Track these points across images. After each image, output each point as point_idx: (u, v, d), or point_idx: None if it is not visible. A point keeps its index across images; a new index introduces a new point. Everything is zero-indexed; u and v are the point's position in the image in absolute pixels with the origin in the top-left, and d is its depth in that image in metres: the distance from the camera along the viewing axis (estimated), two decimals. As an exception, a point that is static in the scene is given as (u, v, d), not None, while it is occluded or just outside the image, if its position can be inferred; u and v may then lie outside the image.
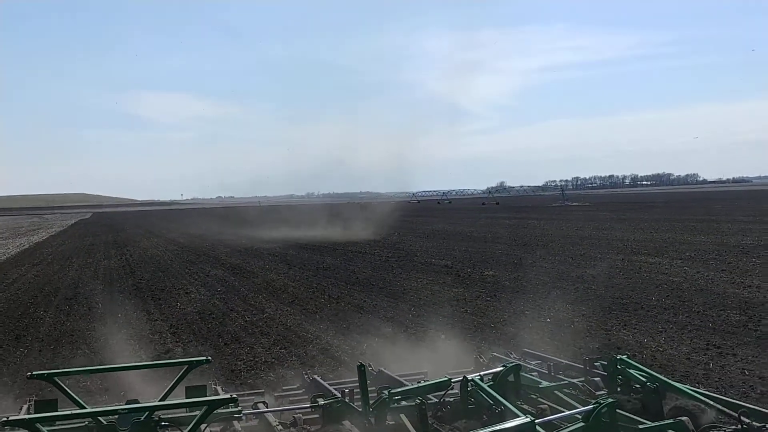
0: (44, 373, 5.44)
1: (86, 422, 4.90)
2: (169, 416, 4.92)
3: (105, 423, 4.76)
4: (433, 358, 8.94)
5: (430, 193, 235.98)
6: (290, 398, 6.85)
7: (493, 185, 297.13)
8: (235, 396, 4.44)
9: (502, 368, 6.13)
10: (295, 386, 7.40)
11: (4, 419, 4.13)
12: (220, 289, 19.60)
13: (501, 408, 5.23)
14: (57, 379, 5.43)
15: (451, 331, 12.04)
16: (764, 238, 28.52)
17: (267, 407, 6.12)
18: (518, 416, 4.84)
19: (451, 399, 5.83)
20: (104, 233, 58.67)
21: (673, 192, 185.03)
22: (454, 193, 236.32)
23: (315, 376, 7.15)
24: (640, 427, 4.94)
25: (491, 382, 5.87)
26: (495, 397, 5.41)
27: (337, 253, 30.22)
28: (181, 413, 5.19)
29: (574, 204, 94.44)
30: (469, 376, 5.87)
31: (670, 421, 5.04)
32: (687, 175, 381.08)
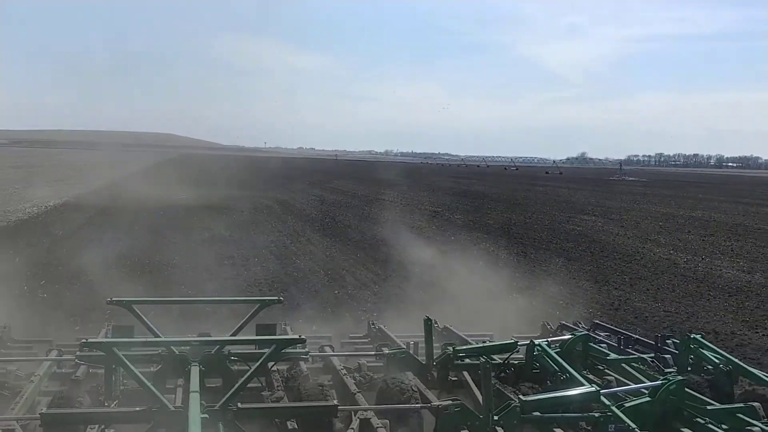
0: (123, 300, 5.56)
1: (160, 350, 5.00)
2: (239, 351, 5.16)
3: (177, 353, 4.85)
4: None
5: (502, 160, 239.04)
6: (355, 345, 6.93)
7: (574, 155, 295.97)
8: (303, 337, 4.58)
9: (570, 336, 6.16)
10: (360, 334, 7.47)
11: (83, 340, 4.25)
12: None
13: (566, 375, 5.26)
14: (135, 307, 5.55)
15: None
16: None
17: (333, 351, 6.29)
18: (583, 385, 4.90)
19: (516, 362, 5.81)
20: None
21: (755, 176, 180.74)
22: (521, 160, 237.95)
23: (381, 326, 7.17)
24: (709, 408, 4.83)
25: (558, 349, 5.84)
26: (561, 363, 5.42)
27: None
28: (250, 350, 5.35)
29: (630, 179, 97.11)
30: (536, 341, 5.85)
31: (740, 405, 4.88)
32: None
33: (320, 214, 27.94)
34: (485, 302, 10.20)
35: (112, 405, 4.73)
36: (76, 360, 5.29)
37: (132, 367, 4.13)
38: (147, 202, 27.32)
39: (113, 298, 5.49)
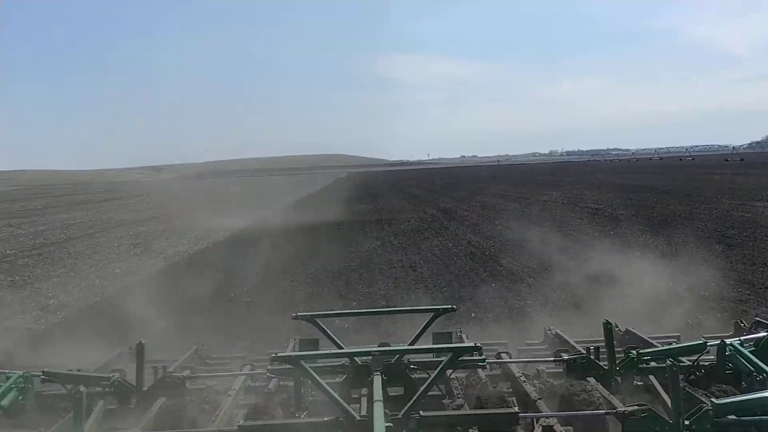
0: (307, 315, 5.78)
1: (343, 361, 5.12)
2: (417, 360, 5.28)
3: (360, 363, 4.95)
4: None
5: (677, 150, 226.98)
6: (533, 352, 6.83)
7: (757, 139, 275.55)
8: (479, 345, 4.64)
9: (765, 334, 5.77)
10: (537, 341, 7.34)
11: (273, 355, 4.58)
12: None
13: (764, 375, 5.03)
14: (318, 321, 5.74)
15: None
16: None
17: (510, 358, 6.24)
18: None
19: (706, 363, 5.59)
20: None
21: None
22: (698, 148, 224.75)
23: (558, 331, 7.05)
24: None
25: (753, 348, 5.55)
26: (757, 363, 5.17)
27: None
28: (428, 358, 5.47)
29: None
30: (728, 341, 5.59)
31: None
32: None
33: (480, 219, 29.25)
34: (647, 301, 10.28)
35: (302, 416, 5.02)
36: (268, 374, 5.57)
37: (319, 379, 4.37)
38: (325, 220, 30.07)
39: (298, 314, 5.78)
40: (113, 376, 5.51)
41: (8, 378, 5.41)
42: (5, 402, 5.17)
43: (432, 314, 5.80)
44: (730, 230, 21.12)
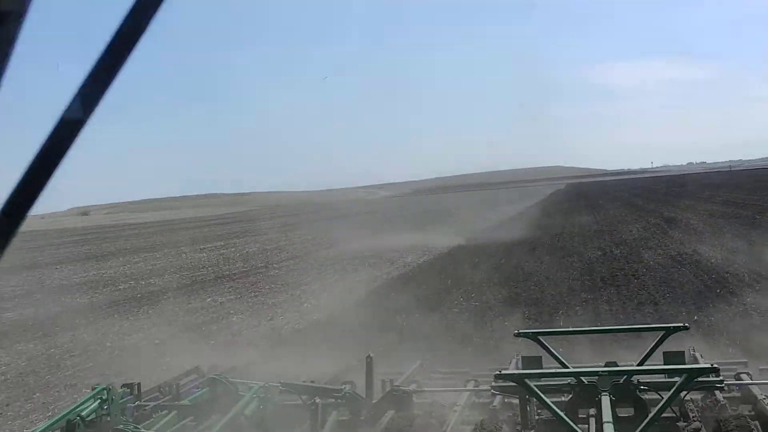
0: (529, 332, 5.68)
1: (569, 380, 4.97)
2: (648, 381, 4.99)
3: (586, 382, 4.77)
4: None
5: None
6: None
7: None
8: (716, 365, 4.42)
9: None
10: None
11: (497, 372, 4.50)
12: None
13: None
14: (540, 338, 5.64)
15: None
16: None
17: (751, 378, 5.87)
18: None
19: None
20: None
21: None
22: None
23: None
24: None
25: None
26: None
27: None
28: (659, 378, 5.21)
29: None
30: None
31: None
32: None
33: (707, 227, 29.15)
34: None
35: None
36: (492, 390, 5.58)
37: (544, 398, 4.29)
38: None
39: (520, 331, 5.68)
40: (344, 388, 5.68)
41: (250, 388, 5.76)
42: (248, 411, 5.51)
43: (663, 333, 5.51)
44: None
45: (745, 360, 6.67)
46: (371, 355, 5.77)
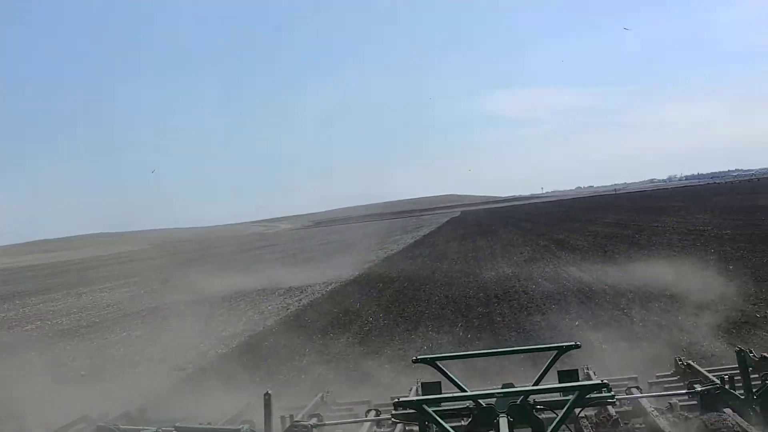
0: (426, 358, 5.58)
1: (467, 404, 4.93)
2: (543, 400, 5.08)
3: (484, 405, 4.78)
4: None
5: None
6: (664, 384, 6.68)
7: None
8: (606, 381, 4.53)
9: None
10: (668, 372, 7.17)
11: (396, 400, 4.49)
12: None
13: None
14: (438, 363, 5.57)
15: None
16: None
17: (641, 392, 6.13)
18: None
19: None
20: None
21: None
22: None
23: (690, 362, 6.89)
24: None
25: None
26: None
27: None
28: (554, 397, 5.29)
29: None
30: None
31: None
32: None
33: (591, 246, 31.04)
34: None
35: None
36: (393, 419, 5.59)
37: (443, 423, 4.35)
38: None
39: (418, 357, 5.56)
40: (243, 428, 5.63)
41: None
42: None
43: (556, 352, 5.59)
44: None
45: (636, 375, 6.92)
46: (269, 392, 5.57)
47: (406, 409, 4.70)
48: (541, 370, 5.39)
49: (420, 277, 25.66)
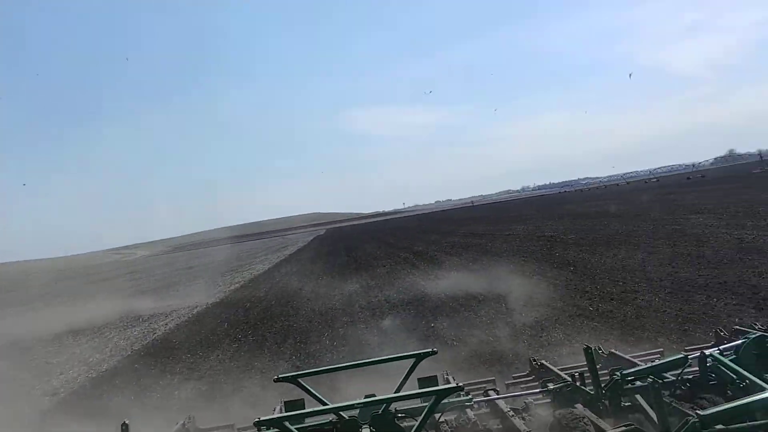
0: (288, 376, 5.57)
1: (330, 418, 4.95)
2: (404, 408, 5.21)
3: (347, 417, 4.79)
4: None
5: (644, 173, 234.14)
6: (520, 385, 6.86)
7: (721, 154, 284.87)
8: (461, 385, 4.64)
9: (743, 340, 5.76)
10: (523, 373, 7.39)
11: (257, 420, 4.36)
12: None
13: (746, 382, 5.09)
14: (300, 380, 5.55)
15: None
16: None
17: (498, 394, 6.21)
18: (766, 389, 4.73)
19: (690, 377, 5.61)
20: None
21: None
22: (664, 170, 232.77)
23: (543, 361, 7.16)
24: None
25: (733, 357, 5.60)
26: (738, 371, 5.27)
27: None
28: (415, 404, 5.44)
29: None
30: (707, 351, 5.70)
31: None
32: None
33: (448, 256, 32.74)
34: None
35: None
36: None
37: None
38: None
39: (279, 376, 5.55)
40: None
41: None
42: None
43: (414, 359, 5.65)
44: (655, 241, 24.65)
45: (493, 378, 7.11)
46: (126, 421, 5.47)
47: (268, 429, 4.56)
48: (401, 379, 5.45)
49: (287, 294, 26.21)
